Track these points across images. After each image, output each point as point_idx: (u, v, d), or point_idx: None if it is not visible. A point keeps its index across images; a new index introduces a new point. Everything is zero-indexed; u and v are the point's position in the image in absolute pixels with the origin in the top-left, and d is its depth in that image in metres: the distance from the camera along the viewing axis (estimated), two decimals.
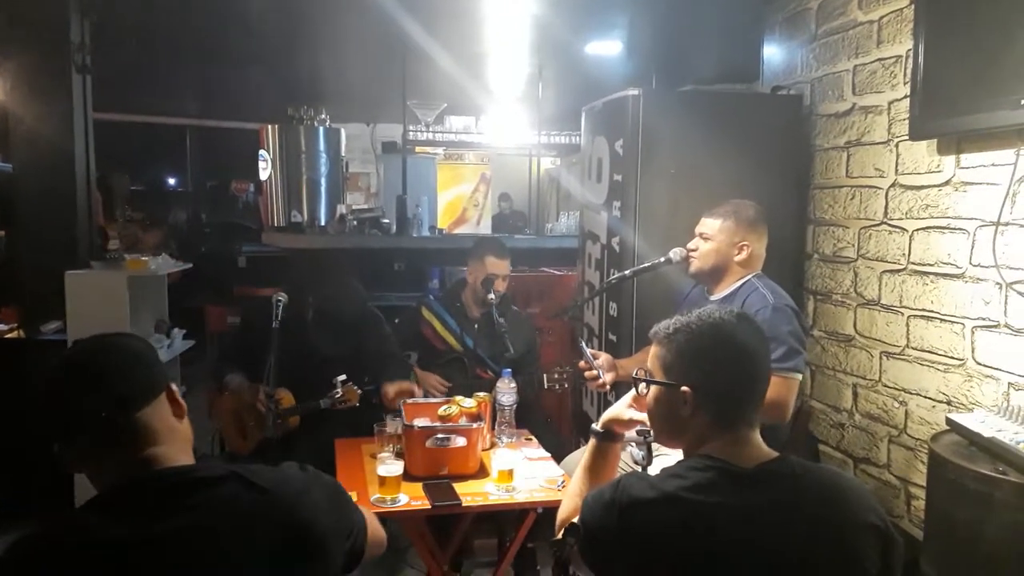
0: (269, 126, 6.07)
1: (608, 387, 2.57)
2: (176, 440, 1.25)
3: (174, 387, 1.29)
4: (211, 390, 3.09)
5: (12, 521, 3.12)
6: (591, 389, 2.59)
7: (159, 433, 1.22)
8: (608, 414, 1.61)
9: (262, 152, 6.14)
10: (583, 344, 2.77)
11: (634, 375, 1.49)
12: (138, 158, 8.10)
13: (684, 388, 1.34)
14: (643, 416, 1.52)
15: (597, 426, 1.61)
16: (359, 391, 2.79)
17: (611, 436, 1.60)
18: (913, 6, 2.42)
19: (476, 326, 3.25)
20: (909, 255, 2.52)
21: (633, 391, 1.55)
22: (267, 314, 2.68)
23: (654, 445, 1.59)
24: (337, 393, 2.75)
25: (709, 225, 2.43)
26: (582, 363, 2.62)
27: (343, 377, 2.77)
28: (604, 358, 2.61)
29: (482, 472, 2.40)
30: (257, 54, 5.87)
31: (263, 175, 6.20)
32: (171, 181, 9.66)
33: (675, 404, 1.36)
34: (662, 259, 2.54)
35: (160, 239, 5.97)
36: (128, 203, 6.38)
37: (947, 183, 2.36)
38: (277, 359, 2.55)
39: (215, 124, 8.35)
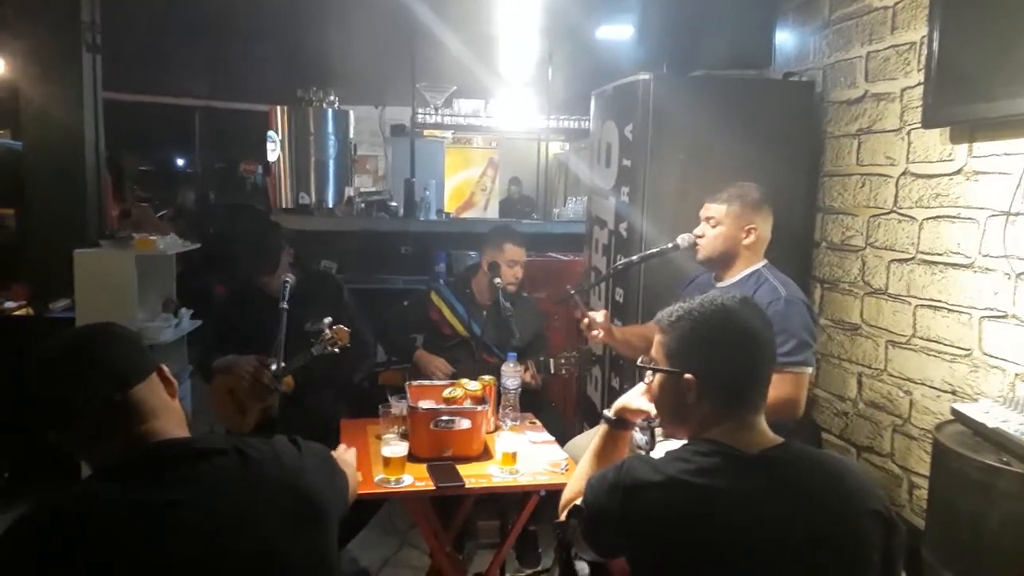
0: (278, 107, 6.07)
1: (600, 337, 2.55)
2: (172, 416, 1.28)
3: (165, 368, 1.32)
4: (206, 380, 3.07)
5: (21, 496, 3.17)
6: (587, 338, 2.59)
7: (155, 408, 1.25)
8: (620, 402, 1.61)
9: (271, 133, 6.15)
10: (574, 292, 2.69)
11: (639, 362, 1.50)
12: (147, 138, 8.11)
13: (688, 376, 1.35)
14: (653, 407, 1.52)
15: (609, 413, 1.62)
16: (348, 330, 2.73)
17: (622, 423, 1.60)
18: None
19: (485, 313, 3.25)
20: (918, 244, 2.51)
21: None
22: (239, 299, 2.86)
23: (657, 430, 1.60)
24: (327, 335, 2.69)
25: (715, 210, 2.42)
26: (579, 312, 2.59)
27: (329, 320, 2.71)
28: (602, 314, 2.59)
29: (486, 455, 2.42)
30: (267, 36, 5.86)
31: (272, 156, 6.21)
32: (179, 162, 9.67)
33: (680, 392, 1.36)
34: (669, 245, 2.53)
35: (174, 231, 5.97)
36: (137, 183, 6.40)
37: (959, 172, 2.34)
38: (285, 336, 2.55)
39: (224, 105, 8.35)
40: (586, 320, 2.54)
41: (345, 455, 1.83)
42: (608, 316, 2.61)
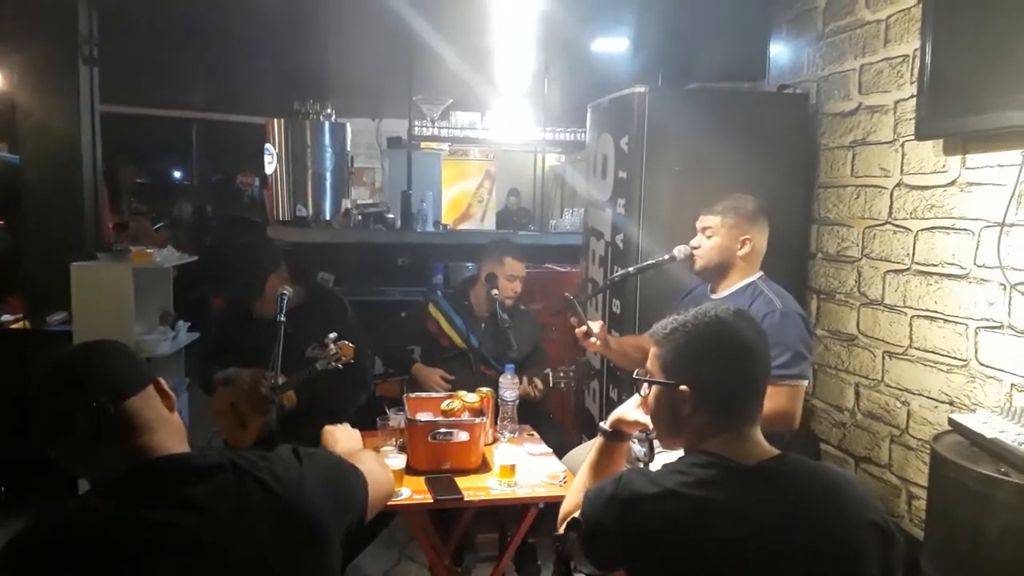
0: (275, 120, 6.09)
1: (597, 345, 2.54)
2: (170, 430, 1.27)
3: (162, 381, 1.32)
4: (207, 391, 3.04)
5: (19, 511, 3.15)
6: (584, 346, 2.59)
7: (152, 422, 1.24)
8: (616, 414, 1.61)
9: (268, 146, 6.16)
10: (574, 299, 2.70)
11: (635, 375, 1.50)
12: (144, 150, 8.12)
13: (683, 387, 1.35)
14: (649, 420, 1.52)
15: (605, 425, 1.62)
16: (352, 345, 2.70)
17: (618, 435, 1.60)
18: (921, 5, 2.41)
19: (483, 325, 3.25)
20: (913, 255, 2.52)
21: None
22: (238, 313, 2.88)
23: (655, 442, 1.60)
24: (332, 350, 2.66)
25: (711, 221, 2.43)
26: (573, 319, 2.57)
27: (334, 335, 2.68)
28: (599, 326, 2.58)
29: (484, 467, 2.42)
30: (264, 48, 5.88)
31: (269, 169, 6.22)
32: (176, 174, 9.68)
33: (675, 403, 1.36)
34: (666, 256, 2.54)
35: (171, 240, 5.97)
36: (134, 195, 6.41)
37: (952, 183, 2.36)
38: (287, 354, 2.54)
39: (221, 117, 8.38)
40: (583, 327, 2.54)
41: (350, 441, 1.77)
42: (605, 327, 2.61)
